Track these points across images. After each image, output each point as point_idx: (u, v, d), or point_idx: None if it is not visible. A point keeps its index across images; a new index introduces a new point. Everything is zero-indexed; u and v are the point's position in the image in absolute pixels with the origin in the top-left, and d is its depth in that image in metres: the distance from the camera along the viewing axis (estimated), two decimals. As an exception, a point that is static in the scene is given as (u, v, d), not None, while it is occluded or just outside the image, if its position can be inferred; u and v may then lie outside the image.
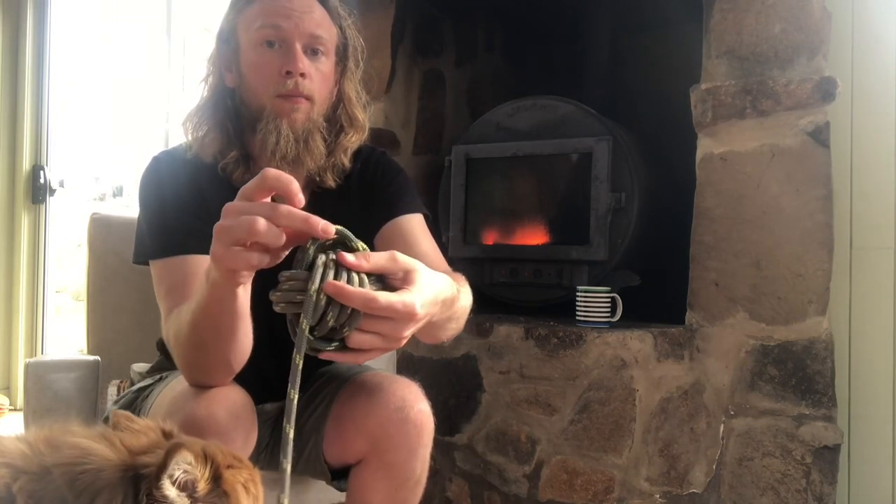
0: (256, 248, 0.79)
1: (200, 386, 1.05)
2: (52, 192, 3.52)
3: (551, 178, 2.10)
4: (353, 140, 1.26)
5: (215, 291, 0.90)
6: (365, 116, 1.29)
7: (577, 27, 2.35)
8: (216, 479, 0.70)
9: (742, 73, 1.73)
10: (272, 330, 1.25)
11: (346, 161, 1.26)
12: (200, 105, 1.23)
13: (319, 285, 0.76)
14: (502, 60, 2.66)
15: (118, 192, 4.29)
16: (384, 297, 0.78)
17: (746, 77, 1.71)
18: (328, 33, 1.21)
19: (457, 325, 1.10)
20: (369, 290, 0.78)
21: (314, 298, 0.76)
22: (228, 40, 1.22)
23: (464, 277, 1.14)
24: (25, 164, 3.48)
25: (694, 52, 1.84)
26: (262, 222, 0.76)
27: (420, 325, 0.85)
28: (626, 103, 2.34)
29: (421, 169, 2.32)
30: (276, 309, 0.79)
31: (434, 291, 0.87)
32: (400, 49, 2.23)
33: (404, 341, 0.83)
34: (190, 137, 1.23)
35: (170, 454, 0.65)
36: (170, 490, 0.65)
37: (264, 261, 0.80)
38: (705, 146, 1.76)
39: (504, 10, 2.55)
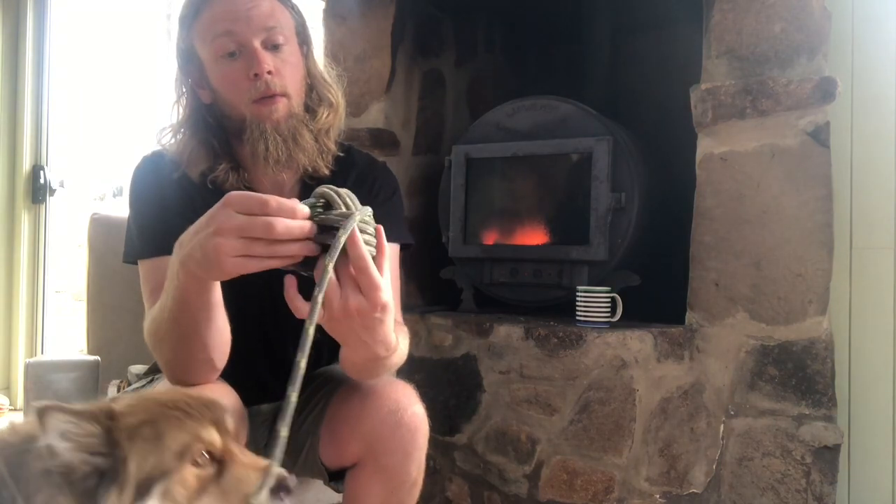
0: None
1: (184, 385, 1.05)
2: (52, 192, 3.52)
3: (551, 178, 2.09)
4: (329, 119, 1.24)
5: (193, 286, 0.92)
6: (338, 92, 1.26)
7: (577, 27, 2.35)
8: (108, 431, 0.72)
9: (742, 73, 1.72)
10: (266, 333, 1.25)
11: (331, 144, 1.24)
12: (179, 125, 1.22)
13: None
14: (502, 60, 2.66)
15: (118, 192, 4.28)
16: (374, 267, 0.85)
17: (746, 77, 1.71)
18: (282, 20, 1.18)
19: (387, 374, 1.14)
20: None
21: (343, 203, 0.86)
22: (191, 59, 1.20)
23: (406, 330, 1.17)
24: (25, 164, 3.48)
25: (694, 52, 1.84)
26: (278, 243, 0.82)
27: (367, 327, 0.89)
28: (626, 103, 2.34)
29: (421, 169, 2.32)
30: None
31: (391, 322, 0.92)
32: (400, 49, 2.23)
33: (340, 312, 0.87)
34: (174, 157, 1.22)
35: (41, 415, 0.70)
36: (53, 439, 0.69)
37: (276, 263, 0.84)
38: (705, 146, 1.76)
39: (504, 10, 2.55)
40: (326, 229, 0.84)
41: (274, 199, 0.83)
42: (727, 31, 1.75)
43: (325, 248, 0.83)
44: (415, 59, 2.31)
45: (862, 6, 1.79)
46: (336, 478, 1.24)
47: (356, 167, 1.29)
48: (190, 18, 1.19)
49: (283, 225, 0.81)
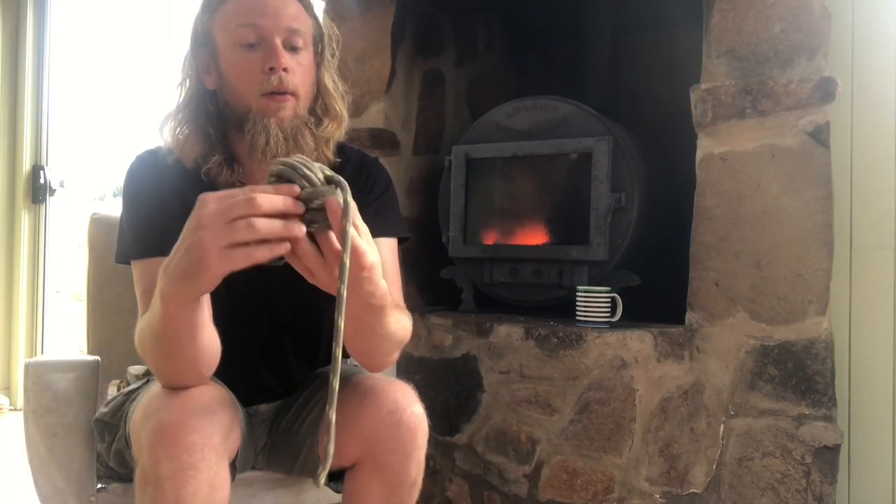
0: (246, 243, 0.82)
1: (175, 388, 1.04)
2: (52, 192, 3.52)
3: (551, 178, 2.09)
4: (331, 130, 1.25)
5: (176, 311, 0.91)
6: (343, 106, 1.28)
7: (577, 27, 2.35)
8: None
9: (742, 73, 1.72)
10: (263, 334, 1.25)
11: (330, 153, 1.25)
12: (178, 109, 1.22)
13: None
14: (502, 60, 2.66)
15: (118, 192, 4.29)
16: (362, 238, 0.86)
17: (746, 77, 1.71)
18: (305, 26, 1.20)
19: (389, 347, 1.12)
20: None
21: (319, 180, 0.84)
22: (204, 42, 1.20)
23: (409, 315, 1.18)
24: (25, 164, 3.48)
25: (694, 52, 1.84)
26: (262, 221, 0.80)
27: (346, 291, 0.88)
28: (626, 103, 2.34)
29: (421, 169, 2.32)
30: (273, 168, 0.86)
31: (379, 276, 0.93)
32: (400, 49, 2.23)
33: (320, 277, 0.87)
34: (169, 141, 1.22)
35: None
36: None
37: (264, 253, 0.82)
38: (705, 146, 1.76)
39: (504, 10, 2.55)
40: (304, 211, 0.83)
41: (251, 186, 0.83)
42: (727, 31, 1.75)
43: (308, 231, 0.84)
44: (415, 59, 2.31)
45: (862, 6, 1.79)
46: (335, 478, 1.24)
47: (349, 164, 1.29)
48: (215, 3, 1.19)
49: (266, 198, 0.81)
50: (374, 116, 2.20)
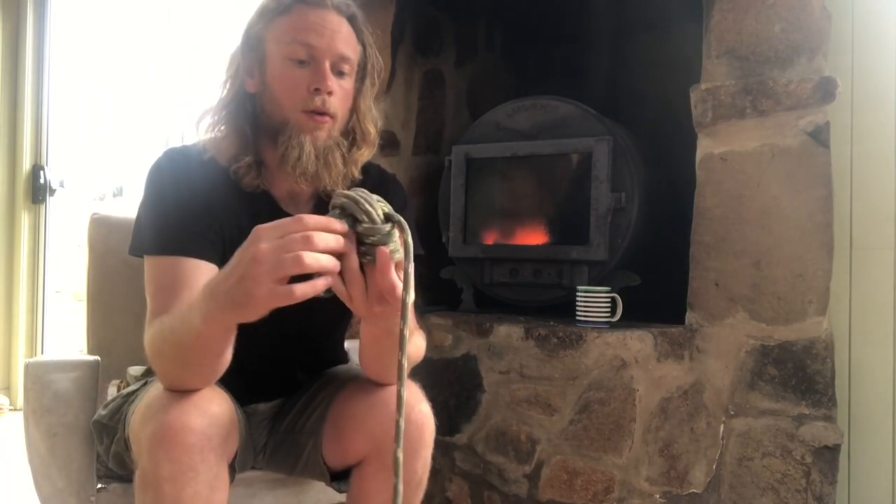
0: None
1: (177, 391, 1.04)
2: (52, 192, 3.52)
3: (551, 178, 2.09)
4: (365, 154, 1.29)
5: (213, 328, 0.91)
6: (376, 132, 1.31)
7: (577, 27, 2.35)
8: None
9: (742, 73, 1.73)
10: (269, 343, 1.25)
11: (357, 173, 1.27)
12: (219, 106, 1.23)
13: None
14: (502, 60, 2.66)
15: (118, 192, 4.29)
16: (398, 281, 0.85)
17: (746, 77, 1.71)
18: (354, 53, 1.22)
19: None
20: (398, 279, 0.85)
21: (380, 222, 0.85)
22: (255, 48, 1.22)
23: (423, 333, 1.23)
24: (25, 164, 3.48)
25: (694, 52, 1.84)
26: (309, 256, 0.79)
27: (381, 318, 0.89)
28: (626, 103, 2.34)
29: (421, 169, 2.32)
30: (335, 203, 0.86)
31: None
32: (400, 49, 2.23)
33: (358, 303, 0.86)
34: (204, 136, 1.23)
35: None
36: None
37: (306, 289, 0.81)
38: (705, 146, 1.76)
39: (504, 10, 2.55)
40: (359, 242, 0.84)
41: (308, 217, 0.82)
42: (727, 32, 1.75)
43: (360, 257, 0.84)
44: (415, 59, 2.31)
45: (862, 6, 1.79)
46: (339, 478, 1.24)
47: (369, 180, 1.32)
48: (273, 13, 1.21)
49: (321, 237, 0.80)
50: (375, 116, 2.20)
